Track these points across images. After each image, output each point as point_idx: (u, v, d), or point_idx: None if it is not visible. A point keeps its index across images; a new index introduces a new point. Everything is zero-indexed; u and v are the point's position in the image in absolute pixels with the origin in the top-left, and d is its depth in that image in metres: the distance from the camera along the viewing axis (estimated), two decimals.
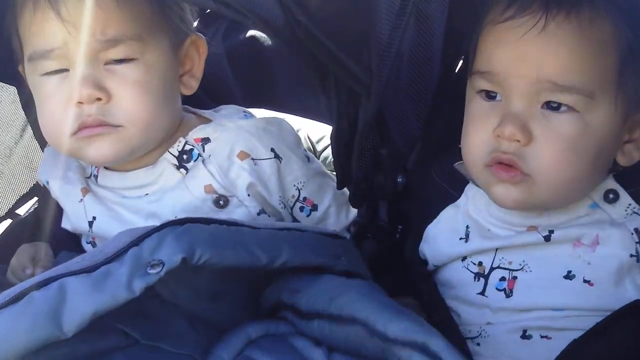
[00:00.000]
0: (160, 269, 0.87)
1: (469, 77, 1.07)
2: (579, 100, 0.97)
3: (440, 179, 1.19)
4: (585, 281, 1.03)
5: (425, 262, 1.19)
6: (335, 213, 1.31)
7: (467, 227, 1.14)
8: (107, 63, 1.12)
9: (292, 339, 0.98)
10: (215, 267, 0.92)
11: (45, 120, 1.18)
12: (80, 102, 1.12)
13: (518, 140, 0.98)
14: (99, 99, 1.11)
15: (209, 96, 1.56)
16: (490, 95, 1.04)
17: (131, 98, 1.13)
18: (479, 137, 1.04)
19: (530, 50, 0.97)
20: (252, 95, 1.72)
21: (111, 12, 1.10)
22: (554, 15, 0.95)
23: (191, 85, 1.25)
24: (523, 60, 0.98)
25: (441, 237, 1.16)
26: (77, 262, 0.90)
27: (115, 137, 1.14)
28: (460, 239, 1.14)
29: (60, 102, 1.14)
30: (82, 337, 0.83)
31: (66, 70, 1.13)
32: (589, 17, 0.95)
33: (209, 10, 1.73)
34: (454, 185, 1.16)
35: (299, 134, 1.56)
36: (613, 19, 0.96)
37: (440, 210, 1.17)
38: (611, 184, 1.06)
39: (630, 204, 1.06)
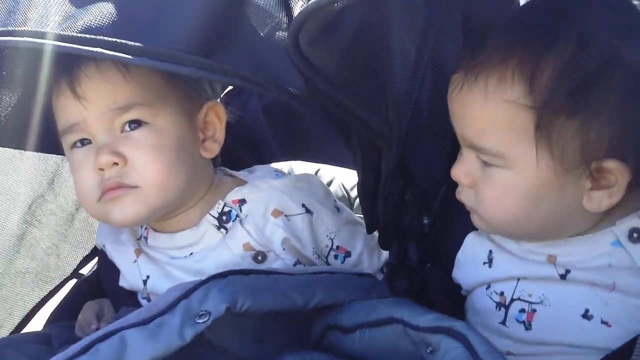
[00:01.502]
0: (207, 318, 0.96)
1: None
2: (503, 162, 1.00)
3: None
4: (603, 322, 1.02)
5: (459, 287, 1.23)
6: (368, 257, 1.38)
7: (490, 252, 1.16)
8: (123, 130, 1.21)
9: None
10: (257, 313, 1.01)
11: (78, 189, 1.27)
12: (100, 169, 1.21)
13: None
14: (116, 164, 1.20)
15: (252, 155, 1.67)
16: None
17: (145, 160, 1.21)
18: None
19: (455, 108, 1.05)
20: (290, 149, 1.80)
21: (120, 85, 1.20)
22: (468, 77, 0.99)
23: (213, 150, 1.33)
24: (454, 116, 1.07)
25: (467, 262, 1.20)
26: (134, 315, 0.99)
27: (134, 197, 1.22)
28: (484, 263, 1.16)
29: (87, 171, 1.23)
30: None
31: (88, 141, 1.24)
32: (497, 78, 0.97)
33: None
34: None
35: (333, 182, 1.66)
36: (524, 78, 0.95)
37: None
38: (637, 222, 1.02)
39: None
